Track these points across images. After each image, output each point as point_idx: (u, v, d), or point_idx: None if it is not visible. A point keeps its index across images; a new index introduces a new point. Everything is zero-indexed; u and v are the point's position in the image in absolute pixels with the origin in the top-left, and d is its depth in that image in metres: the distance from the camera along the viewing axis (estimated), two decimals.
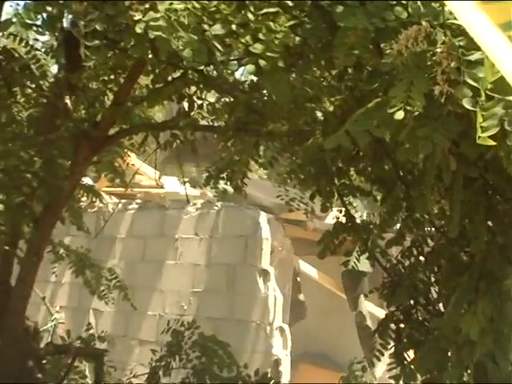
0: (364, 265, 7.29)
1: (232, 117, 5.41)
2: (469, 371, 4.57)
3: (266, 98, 5.04)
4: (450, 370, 4.66)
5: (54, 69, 6.05)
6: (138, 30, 3.36)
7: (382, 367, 7.06)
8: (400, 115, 3.07)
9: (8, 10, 5.45)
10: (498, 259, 4.19)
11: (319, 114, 4.79)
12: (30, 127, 5.81)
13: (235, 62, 3.68)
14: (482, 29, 1.96)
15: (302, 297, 12.18)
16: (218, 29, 3.54)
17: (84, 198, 6.90)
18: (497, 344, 4.39)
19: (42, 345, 6.18)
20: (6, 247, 5.47)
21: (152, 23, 3.33)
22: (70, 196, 5.65)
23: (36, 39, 6.10)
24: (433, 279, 4.97)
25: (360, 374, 8.07)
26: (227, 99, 5.46)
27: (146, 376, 6.12)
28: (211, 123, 5.77)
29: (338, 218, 5.36)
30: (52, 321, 11.63)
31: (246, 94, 5.09)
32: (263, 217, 11.53)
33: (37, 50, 5.85)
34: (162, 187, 12.51)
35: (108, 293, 7.55)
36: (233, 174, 5.81)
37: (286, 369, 11.00)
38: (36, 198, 5.18)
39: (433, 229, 4.96)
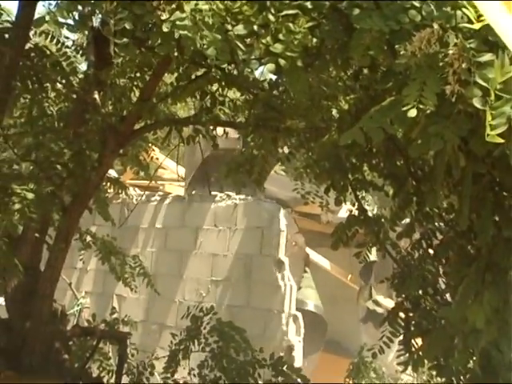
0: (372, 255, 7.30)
1: (252, 113, 5.41)
2: (474, 358, 4.57)
3: (284, 96, 5.04)
4: (457, 356, 4.66)
5: (83, 66, 6.06)
6: (165, 28, 3.37)
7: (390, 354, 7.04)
8: (413, 113, 3.07)
9: (40, 9, 5.46)
10: (503, 252, 4.17)
11: (335, 112, 4.80)
12: (60, 121, 5.84)
13: (256, 61, 3.66)
14: (507, 26, 1.95)
15: (371, 304, 12.23)
16: (240, 29, 3.54)
17: (110, 190, 6.91)
18: (501, 333, 4.37)
19: (69, 327, 6.19)
20: (36, 234, 5.50)
21: (178, 22, 3.34)
22: (97, 187, 5.67)
23: (66, 37, 6.11)
24: (441, 270, 4.96)
25: (369, 359, 8.09)
26: (247, 97, 5.46)
27: (167, 358, 6.13)
28: (232, 119, 5.77)
29: (351, 212, 5.36)
30: (78, 305, 11.68)
31: (265, 92, 5.10)
32: (279, 210, 11.55)
33: (67, 47, 5.87)
34: (183, 180, 12.56)
35: (132, 280, 7.57)
36: (252, 168, 5.81)
37: (298, 354, 11.01)
38: (65, 188, 5.21)
39: (441, 223, 4.95)
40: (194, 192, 12.32)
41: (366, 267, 11.43)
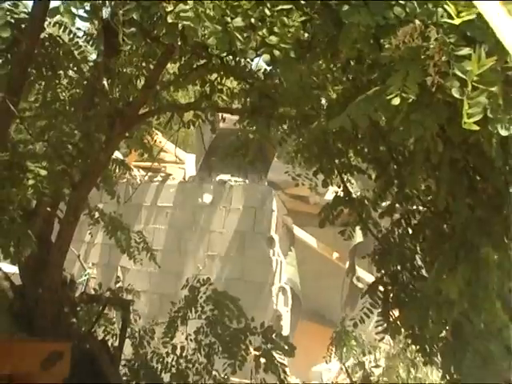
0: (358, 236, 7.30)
1: (247, 101, 5.41)
2: (447, 328, 4.59)
3: (277, 86, 5.03)
4: (431, 326, 4.68)
5: (93, 55, 6.05)
6: (170, 19, 3.36)
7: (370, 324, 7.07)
8: (396, 101, 3.08)
9: (55, 2, 5.44)
10: (476, 231, 4.18)
11: (324, 101, 4.78)
12: (71, 105, 5.83)
13: (252, 51, 3.65)
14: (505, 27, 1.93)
15: (354, 280, 12.29)
16: (238, 21, 3.53)
17: (116, 170, 6.91)
18: (472, 304, 4.39)
19: (77, 295, 6.20)
20: (48, 208, 5.49)
21: (182, 14, 3.33)
22: (105, 166, 5.66)
23: (78, 28, 6.09)
24: (418, 248, 4.96)
25: (351, 329, 8.11)
26: (244, 85, 5.45)
27: (166, 324, 6.14)
28: (229, 106, 5.76)
29: (336, 193, 5.37)
30: (85, 275, 11.67)
31: (260, 82, 5.09)
32: (271, 192, 11.62)
33: (79, 37, 5.86)
34: (183, 162, 12.59)
35: (136, 253, 7.57)
36: (247, 151, 5.82)
37: (286, 323, 11.10)
38: (75, 166, 5.20)
39: (420, 204, 4.95)
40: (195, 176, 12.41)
41: (355, 248, 11.50)
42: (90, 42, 6.00)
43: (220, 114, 6.13)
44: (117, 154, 8.34)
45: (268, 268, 11.35)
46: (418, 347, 5.20)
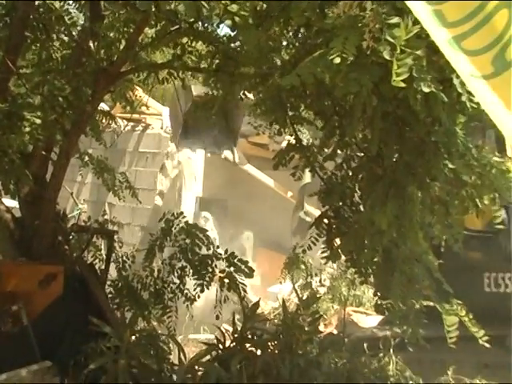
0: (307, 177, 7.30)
1: (213, 61, 5.36)
2: (378, 253, 4.68)
3: (238, 48, 4.99)
4: (366, 252, 4.76)
5: (81, 20, 5.96)
6: None
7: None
8: (337, 60, 3.08)
9: None
10: (403, 173, 4.23)
11: (278, 62, 4.75)
12: (62, 63, 5.75)
13: (216, 17, 3.62)
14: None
15: (302, 214, 12.29)
16: None
17: (103, 120, 6.85)
18: (399, 234, 4.48)
19: (69, 226, 6.19)
20: (43, 152, 5.46)
21: None
22: (91, 116, 5.60)
23: None
24: (356, 187, 4.99)
25: (301, 255, 8.19)
26: (210, 48, 5.39)
27: (146, 251, 6.15)
28: (197, 66, 5.71)
29: (289, 141, 5.37)
30: (77, 210, 11.63)
31: (224, 45, 5.03)
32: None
33: (68, 4, 5.78)
34: (160, 114, 12.52)
35: (120, 191, 7.54)
36: (213, 106, 5.80)
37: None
38: (66, 116, 5.16)
39: (357, 150, 4.97)
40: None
41: (303, 187, 11.52)
42: (79, 9, 5.93)
43: None
44: (103, 106, 8.25)
45: None
46: (355, 270, 5.29)
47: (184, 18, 3.99)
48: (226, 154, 11.95)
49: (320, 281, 9.67)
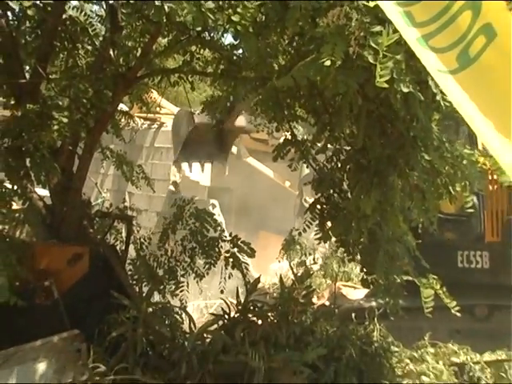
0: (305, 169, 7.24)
1: (218, 66, 5.33)
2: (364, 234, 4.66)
3: (240, 55, 4.96)
4: (353, 233, 4.74)
5: (103, 31, 5.92)
6: (157, 2, 3.28)
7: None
8: (328, 63, 3.06)
9: None
10: (386, 164, 4.22)
11: (275, 66, 4.72)
12: (86, 69, 5.72)
13: (221, 27, 3.59)
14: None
15: (303, 201, 12.28)
16: (210, 4, 3.46)
17: (122, 119, 6.82)
18: (382, 218, 4.47)
19: (93, 212, 6.19)
20: (70, 147, 5.44)
21: None
22: (111, 115, 5.58)
23: (91, 11, 5.95)
24: (345, 176, 4.97)
25: (297, 237, 8.20)
26: (216, 55, 5.36)
27: (160, 233, 6.15)
28: (204, 70, 5.68)
29: (285, 136, 5.35)
30: (101, 198, 11.63)
31: (228, 51, 5.00)
32: None
33: (91, 18, 5.74)
34: (173, 114, 12.47)
35: (137, 181, 7.50)
36: (219, 104, 5.78)
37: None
38: (89, 115, 5.14)
39: (345, 144, 4.94)
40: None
41: (304, 178, 11.49)
42: (101, 22, 5.89)
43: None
44: (123, 107, 8.22)
45: None
46: (344, 249, 5.27)
47: (192, 28, 3.94)
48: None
49: (314, 259, 9.67)
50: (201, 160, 11.29)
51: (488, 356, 6.48)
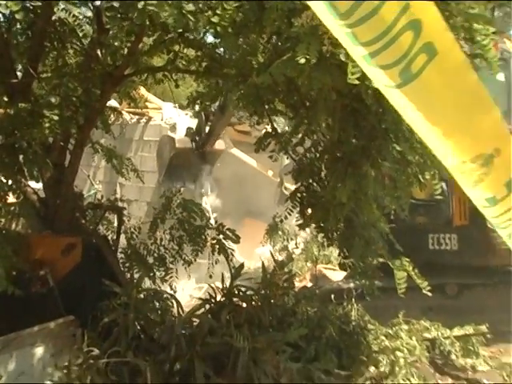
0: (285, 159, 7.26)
1: (201, 64, 5.31)
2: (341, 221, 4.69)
3: (222, 53, 4.94)
4: (331, 220, 4.77)
5: (91, 32, 5.87)
6: (139, 5, 3.26)
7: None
8: (302, 60, 3.05)
9: None
10: (359, 154, 4.24)
11: (255, 63, 4.71)
12: (75, 68, 5.67)
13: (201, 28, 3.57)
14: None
15: (283, 189, 12.28)
16: (190, 6, 3.44)
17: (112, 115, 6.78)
18: (357, 205, 4.49)
19: (85, 203, 6.16)
20: (61, 143, 5.41)
21: (148, 1, 3.23)
22: (100, 112, 5.54)
23: (79, 12, 5.88)
24: (322, 166, 4.98)
25: (280, 223, 8.22)
26: (198, 53, 5.32)
27: (150, 222, 6.13)
28: (187, 68, 5.65)
29: (266, 129, 5.34)
30: (93, 190, 11.58)
31: (210, 50, 4.98)
32: None
33: (80, 19, 5.67)
34: (160, 108, 12.43)
35: (127, 173, 7.46)
36: (202, 100, 5.75)
37: None
38: (79, 112, 5.10)
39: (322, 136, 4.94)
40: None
41: (284, 168, 11.47)
42: (89, 23, 5.83)
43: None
44: (113, 103, 8.17)
45: None
46: (323, 235, 5.30)
47: (175, 29, 3.92)
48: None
49: (295, 244, 9.72)
50: (184, 183, 11.29)
51: (457, 331, 6.57)
